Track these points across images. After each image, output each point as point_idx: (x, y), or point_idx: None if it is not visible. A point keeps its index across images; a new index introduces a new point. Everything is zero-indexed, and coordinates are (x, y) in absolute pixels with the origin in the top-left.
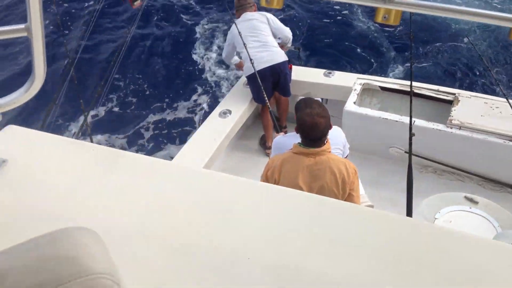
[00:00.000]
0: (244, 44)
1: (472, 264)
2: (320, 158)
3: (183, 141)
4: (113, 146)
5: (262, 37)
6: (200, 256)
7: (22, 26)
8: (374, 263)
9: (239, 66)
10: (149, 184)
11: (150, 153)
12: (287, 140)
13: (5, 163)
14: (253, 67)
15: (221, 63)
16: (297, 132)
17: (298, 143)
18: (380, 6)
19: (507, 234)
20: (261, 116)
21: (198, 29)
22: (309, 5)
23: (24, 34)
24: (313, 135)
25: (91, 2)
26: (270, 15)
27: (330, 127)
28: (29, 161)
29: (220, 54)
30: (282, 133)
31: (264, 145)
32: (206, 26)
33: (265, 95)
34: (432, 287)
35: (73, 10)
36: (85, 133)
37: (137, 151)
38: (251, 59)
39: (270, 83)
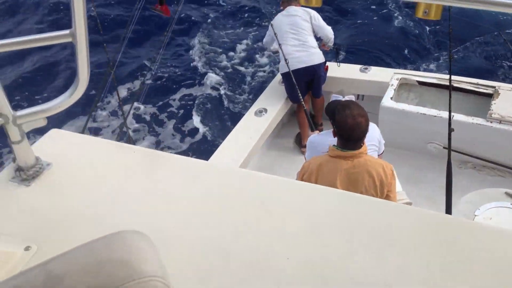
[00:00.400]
0: (280, 44)
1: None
2: (358, 161)
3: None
4: (153, 147)
5: (302, 36)
6: (241, 256)
7: (67, 32)
8: (413, 261)
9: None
10: (189, 184)
11: (192, 151)
12: (322, 139)
13: (50, 166)
14: (287, 66)
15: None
16: (334, 136)
17: (334, 145)
18: (421, 0)
19: None
20: (296, 115)
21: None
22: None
23: (69, 39)
24: (355, 136)
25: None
26: (314, 13)
27: (368, 126)
28: (73, 164)
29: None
30: (316, 132)
31: (300, 143)
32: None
33: (300, 94)
34: (472, 285)
35: (111, 16)
36: (124, 136)
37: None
38: (285, 59)
39: (303, 83)
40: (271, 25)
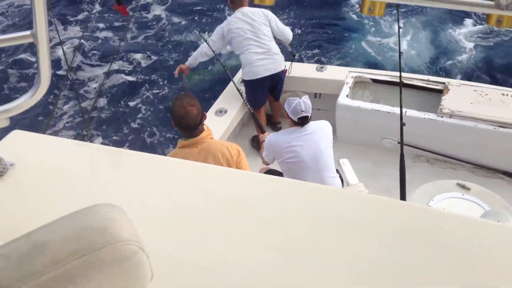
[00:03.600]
0: (240, 52)
1: (461, 240)
2: (201, 147)
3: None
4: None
5: (265, 42)
6: (208, 245)
7: (28, 32)
8: (374, 244)
9: (183, 70)
10: (152, 180)
11: (147, 148)
12: (280, 137)
13: (13, 166)
14: (253, 74)
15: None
16: (175, 127)
17: (181, 138)
18: None
19: (493, 212)
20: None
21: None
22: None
23: (30, 40)
24: (188, 124)
25: (85, 6)
26: (271, 15)
27: (203, 115)
28: (36, 164)
29: None
30: (267, 133)
31: (257, 146)
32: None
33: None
34: (426, 264)
35: (68, 16)
36: (86, 136)
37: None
38: (246, 67)
39: (267, 90)
40: (228, 30)
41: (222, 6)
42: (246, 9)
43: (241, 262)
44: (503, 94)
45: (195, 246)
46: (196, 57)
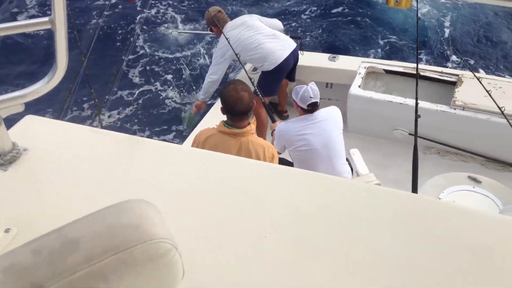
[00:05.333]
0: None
1: (477, 237)
2: (241, 140)
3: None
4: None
5: (268, 30)
6: (219, 237)
7: (46, 19)
8: (383, 236)
9: (200, 106)
10: (166, 169)
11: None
12: (290, 125)
13: (27, 151)
14: (276, 60)
15: None
16: (223, 113)
17: (223, 121)
18: None
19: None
20: (258, 113)
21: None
22: None
23: (48, 26)
24: (238, 109)
25: None
26: (255, 15)
27: (253, 103)
28: (49, 150)
29: None
30: (278, 121)
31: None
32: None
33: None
34: (438, 260)
35: (84, 5)
36: (99, 123)
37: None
38: (267, 58)
39: (285, 74)
40: (228, 47)
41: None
42: (229, 24)
43: (256, 253)
44: None
45: (212, 237)
46: (207, 90)
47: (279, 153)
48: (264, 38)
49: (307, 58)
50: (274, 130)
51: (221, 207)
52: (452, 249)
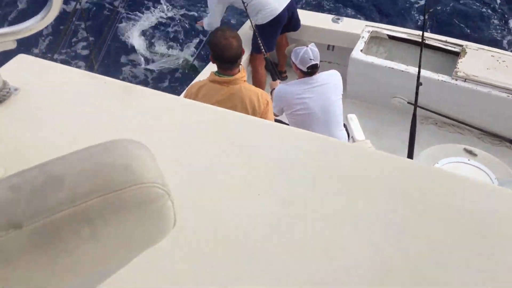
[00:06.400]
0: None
1: (474, 206)
2: (232, 87)
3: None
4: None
5: None
6: (210, 189)
7: None
8: (376, 198)
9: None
10: (162, 120)
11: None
12: (289, 88)
13: (17, 91)
14: (270, 14)
15: None
16: (213, 62)
17: (214, 71)
18: None
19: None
20: (256, 70)
21: None
22: None
23: None
24: (228, 56)
25: None
26: None
27: (242, 50)
28: (42, 91)
29: None
30: (278, 81)
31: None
32: None
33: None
34: (434, 228)
35: None
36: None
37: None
38: (261, 10)
39: (280, 29)
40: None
41: None
42: None
43: (249, 210)
44: None
45: (203, 192)
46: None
47: (276, 115)
48: None
49: (310, 18)
50: (273, 89)
51: (215, 161)
52: (447, 215)
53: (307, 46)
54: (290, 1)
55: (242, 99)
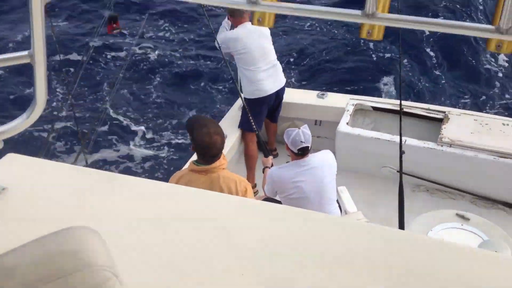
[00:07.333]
0: (246, 68)
1: (459, 271)
2: (211, 176)
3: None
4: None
5: (272, 58)
6: (195, 271)
7: (25, 53)
8: (368, 275)
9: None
10: (141, 206)
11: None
12: (283, 172)
13: (5, 191)
14: (260, 92)
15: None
16: (193, 150)
17: (194, 161)
18: (364, 22)
19: (491, 242)
20: (247, 147)
21: None
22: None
23: (28, 61)
24: (211, 153)
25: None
26: (268, 30)
27: (224, 144)
28: (29, 189)
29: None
30: (271, 157)
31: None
32: None
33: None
34: None
35: (70, 37)
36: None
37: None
38: (253, 85)
39: (268, 108)
40: (234, 40)
41: None
42: (248, 25)
43: None
44: (503, 124)
45: (183, 275)
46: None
47: (269, 197)
48: (264, 65)
49: (295, 95)
50: (266, 167)
51: (195, 243)
52: (434, 283)
53: (299, 128)
54: (281, 89)
55: (221, 188)
